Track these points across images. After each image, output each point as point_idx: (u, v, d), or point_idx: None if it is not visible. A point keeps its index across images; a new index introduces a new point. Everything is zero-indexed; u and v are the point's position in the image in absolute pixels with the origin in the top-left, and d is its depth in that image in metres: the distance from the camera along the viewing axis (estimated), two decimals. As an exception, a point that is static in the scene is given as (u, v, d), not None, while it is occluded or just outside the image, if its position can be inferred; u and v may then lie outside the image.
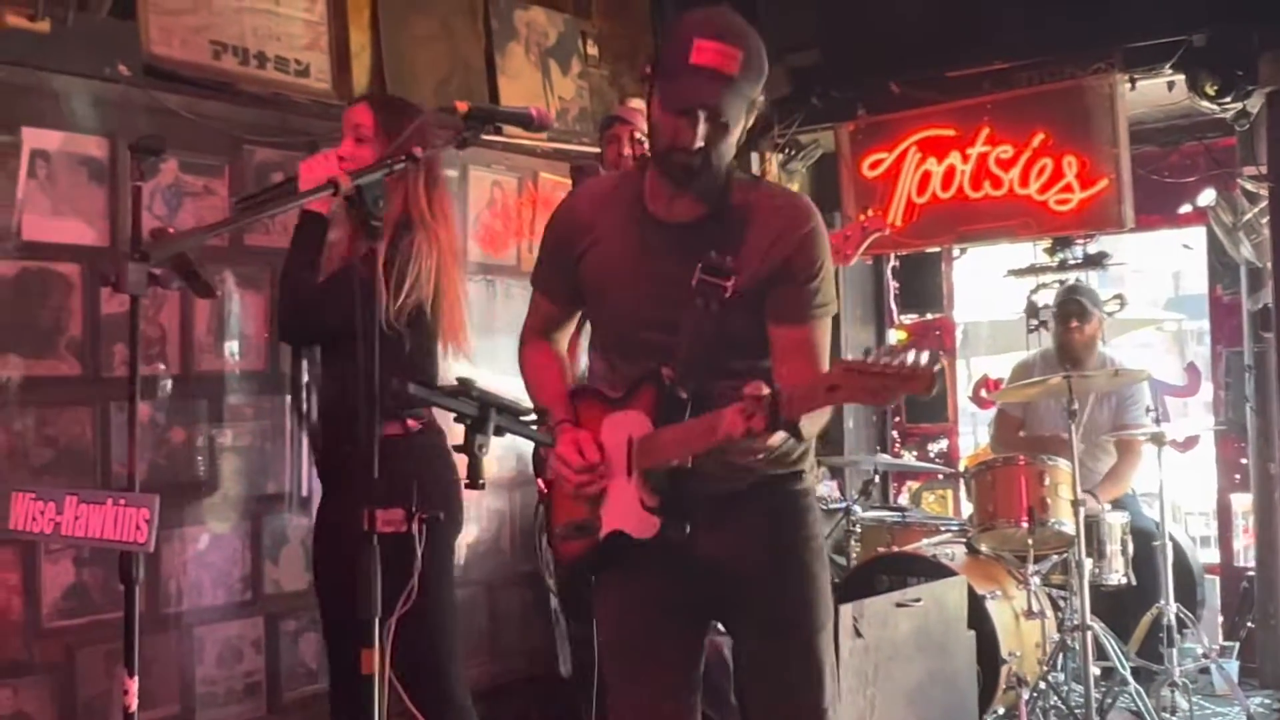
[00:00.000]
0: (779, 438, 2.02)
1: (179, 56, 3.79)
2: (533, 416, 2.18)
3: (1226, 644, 5.25)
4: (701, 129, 2.14)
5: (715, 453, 2.12)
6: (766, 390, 1.97)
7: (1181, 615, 4.55)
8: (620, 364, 2.38)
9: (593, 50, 5.32)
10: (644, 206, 2.32)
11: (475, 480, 2.00)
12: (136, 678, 2.17)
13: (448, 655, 2.93)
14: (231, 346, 3.81)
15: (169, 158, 3.56)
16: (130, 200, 3.27)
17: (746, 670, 2.45)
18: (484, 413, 1.97)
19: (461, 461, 2.01)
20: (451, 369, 4.03)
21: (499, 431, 1.99)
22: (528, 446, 3.47)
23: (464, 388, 1.94)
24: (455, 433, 2.11)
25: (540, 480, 3.47)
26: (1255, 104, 4.70)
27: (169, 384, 3.62)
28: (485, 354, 4.52)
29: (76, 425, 3.42)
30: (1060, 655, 4.46)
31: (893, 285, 6.54)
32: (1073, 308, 5.10)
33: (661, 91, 2.18)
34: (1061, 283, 5.60)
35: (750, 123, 2.25)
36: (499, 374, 4.42)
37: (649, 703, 2.38)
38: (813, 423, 2.12)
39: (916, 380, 1.81)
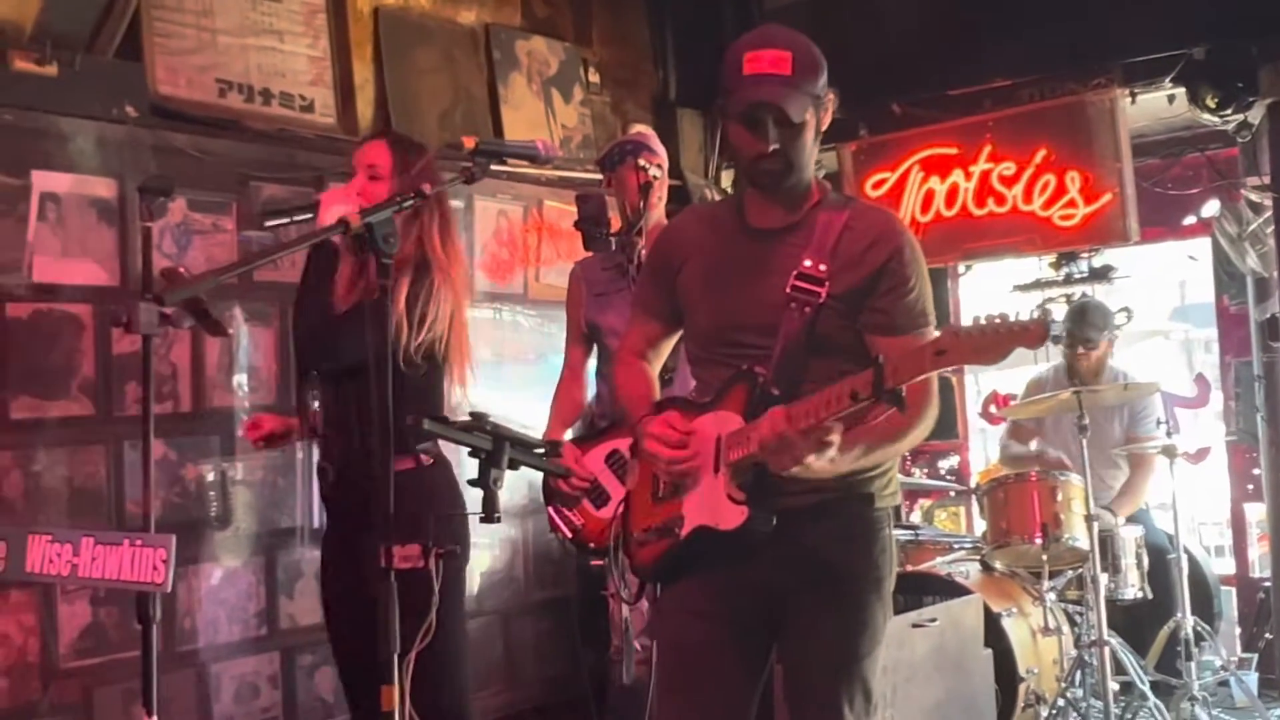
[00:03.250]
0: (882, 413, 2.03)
1: (185, 95, 3.83)
2: (543, 449, 2.19)
3: (1245, 655, 5.21)
4: (772, 132, 2.25)
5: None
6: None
7: (1199, 628, 4.53)
8: (708, 373, 2.44)
9: (594, 78, 5.36)
10: (744, 219, 2.42)
11: (491, 514, 2.01)
12: (155, 717, 2.17)
13: (463, 690, 2.93)
14: (241, 381, 3.83)
15: (177, 196, 3.59)
16: (140, 240, 3.30)
17: (785, 685, 2.46)
18: (498, 446, 1.98)
19: (475, 495, 2.02)
20: (460, 399, 4.03)
21: (513, 465, 2.00)
22: (539, 475, 3.47)
23: (478, 422, 1.95)
24: (468, 466, 2.12)
25: (550, 509, 3.48)
26: (1256, 115, 4.70)
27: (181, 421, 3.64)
28: (494, 381, 4.56)
29: (90, 465, 3.44)
30: (1078, 671, 4.43)
31: (900, 303, 6.52)
32: (1079, 334, 5.06)
33: (728, 108, 2.30)
34: (1068, 298, 5.59)
35: (824, 123, 2.36)
36: (509, 400, 4.47)
37: (696, 715, 2.38)
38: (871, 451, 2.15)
39: (1029, 333, 1.86)
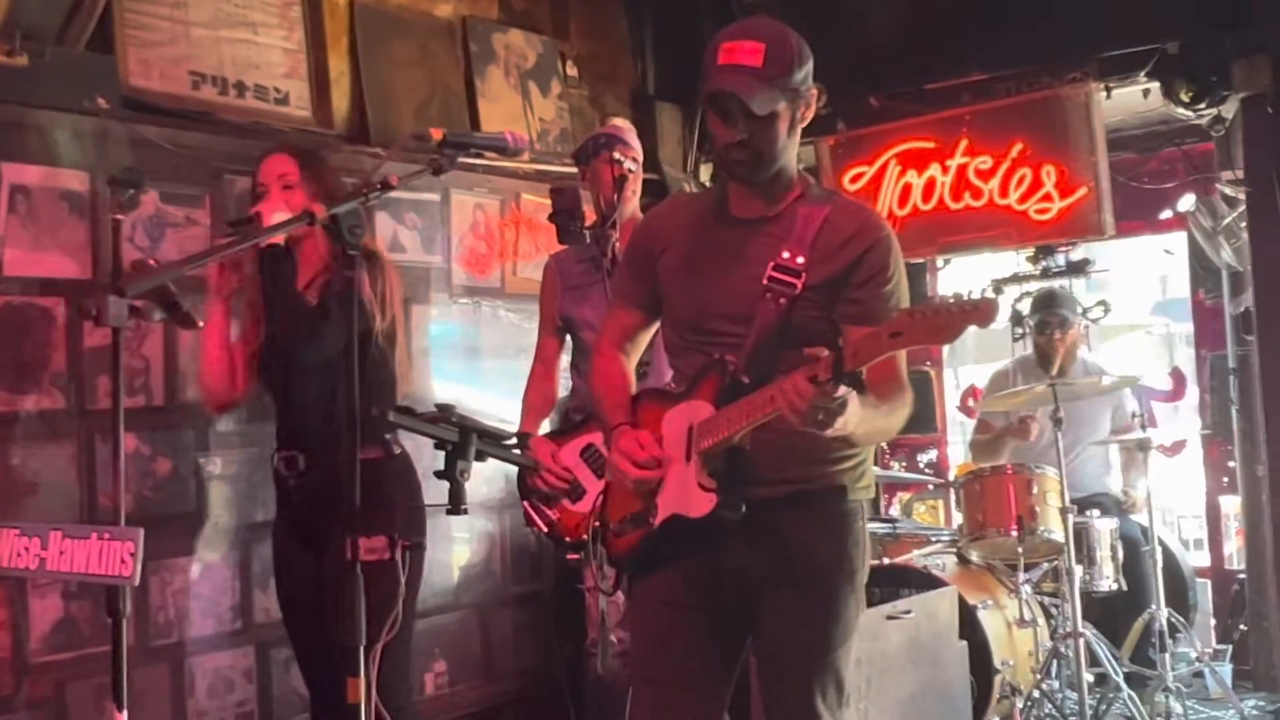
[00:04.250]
0: (846, 401, 2.01)
1: (158, 88, 3.80)
2: (513, 441, 2.19)
3: (1219, 647, 5.25)
4: (740, 123, 2.26)
5: (777, 435, 2.15)
6: (827, 351, 2.01)
7: (1173, 620, 4.56)
8: (684, 361, 2.45)
9: (572, 71, 5.35)
10: (726, 209, 2.44)
11: (458, 505, 2.00)
12: (126, 712, 2.17)
13: (409, 683, 2.95)
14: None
15: (149, 189, 3.56)
16: (111, 233, 3.28)
17: (758, 675, 2.48)
18: (465, 438, 1.98)
19: (441, 486, 2.01)
20: (434, 391, 4.03)
21: (480, 456, 2.00)
22: (515, 468, 3.47)
23: (444, 414, 1.95)
24: (437, 458, 2.12)
25: (526, 503, 3.48)
26: (1230, 109, 4.73)
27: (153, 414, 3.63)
28: (470, 375, 4.56)
29: (61, 459, 3.42)
30: (1053, 663, 4.46)
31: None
32: (1054, 319, 5.11)
33: (703, 97, 2.32)
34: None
35: (803, 117, 2.37)
36: (484, 395, 4.46)
37: (670, 703, 2.39)
38: (865, 419, 2.13)
39: (980, 312, 1.88)
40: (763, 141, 2.30)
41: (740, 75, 2.24)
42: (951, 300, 1.89)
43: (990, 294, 1.91)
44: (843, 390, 1.99)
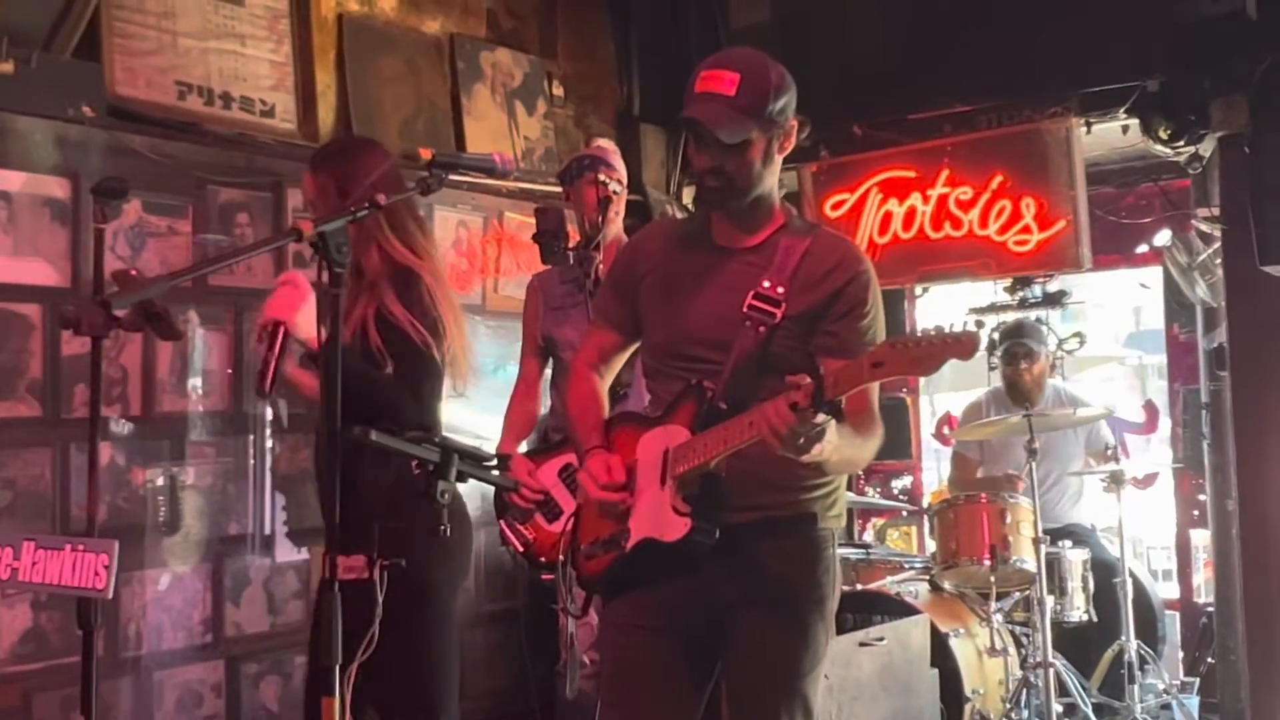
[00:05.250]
0: (825, 428, 2.02)
1: (144, 97, 3.80)
2: (494, 462, 2.19)
3: (1187, 679, 5.28)
4: (712, 150, 2.29)
5: (751, 462, 2.16)
6: (809, 379, 2.02)
7: (1143, 651, 4.59)
8: (662, 386, 2.46)
9: (558, 91, 5.37)
10: (709, 236, 2.46)
11: (436, 527, 2.00)
12: (93, 724, 2.16)
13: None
14: (195, 386, 3.80)
15: (132, 198, 3.55)
16: (93, 241, 3.27)
17: (727, 701, 2.47)
18: (445, 459, 1.98)
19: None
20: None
21: (461, 477, 2.00)
22: (490, 487, 3.47)
23: (425, 434, 1.95)
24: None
25: (502, 522, 3.48)
26: (1207, 148, 4.78)
27: (130, 425, 3.60)
28: (451, 391, 4.54)
29: (36, 467, 3.40)
30: (1023, 692, 4.48)
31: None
32: (1019, 349, 5.17)
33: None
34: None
35: (782, 148, 2.38)
36: (465, 411, 4.45)
37: None
38: (840, 448, 2.14)
39: (961, 344, 1.90)
40: (735, 169, 2.32)
41: (712, 104, 2.27)
42: (933, 332, 1.91)
43: (971, 326, 1.92)
44: (821, 418, 2.01)
